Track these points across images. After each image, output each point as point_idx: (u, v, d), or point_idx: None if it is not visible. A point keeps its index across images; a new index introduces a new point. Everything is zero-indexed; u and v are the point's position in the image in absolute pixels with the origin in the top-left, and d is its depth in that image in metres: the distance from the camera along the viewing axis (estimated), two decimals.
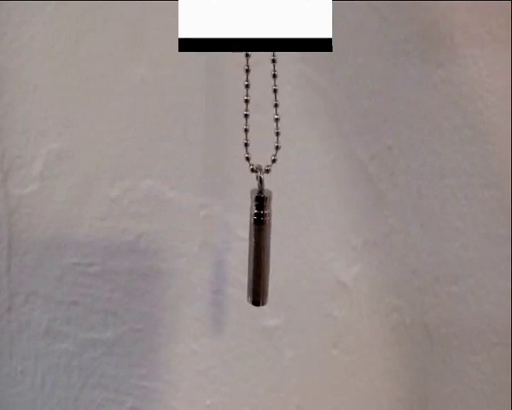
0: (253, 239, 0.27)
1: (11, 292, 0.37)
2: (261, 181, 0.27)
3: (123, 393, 0.39)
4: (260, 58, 0.27)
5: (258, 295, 0.28)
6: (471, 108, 0.38)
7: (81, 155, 0.36)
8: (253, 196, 0.27)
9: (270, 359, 0.40)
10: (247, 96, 0.27)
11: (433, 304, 0.41)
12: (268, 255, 0.28)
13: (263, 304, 0.28)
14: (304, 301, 0.40)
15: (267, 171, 0.27)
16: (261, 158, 0.28)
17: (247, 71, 0.27)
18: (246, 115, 0.27)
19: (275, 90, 0.27)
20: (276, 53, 0.27)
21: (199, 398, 0.40)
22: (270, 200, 0.27)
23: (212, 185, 0.37)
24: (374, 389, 0.42)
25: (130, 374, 0.39)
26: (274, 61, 0.26)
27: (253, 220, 0.27)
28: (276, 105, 0.27)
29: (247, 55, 0.26)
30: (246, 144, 0.27)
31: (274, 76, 0.27)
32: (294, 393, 0.41)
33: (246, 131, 0.27)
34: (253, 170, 0.27)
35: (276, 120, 0.27)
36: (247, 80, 0.27)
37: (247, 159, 0.27)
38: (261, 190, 0.27)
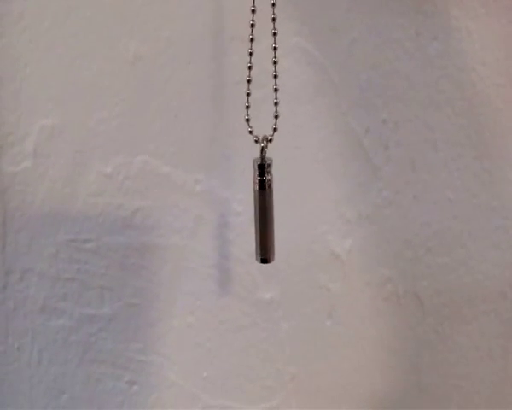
0: (258, 204, 0.32)
1: (6, 270, 0.39)
2: (263, 150, 0.31)
3: (120, 367, 0.42)
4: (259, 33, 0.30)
5: (265, 253, 0.32)
6: (464, 81, 0.41)
7: (74, 131, 0.37)
8: (256, 165, 0.32)
9: (265, 330, 0.43)
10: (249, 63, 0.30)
11: (426, 275, 0.44)
12: (272, 217, 0.32)
13: (270, 261, 0.33)
14: (298, 274, 0.42)
15: (270, 140, 0.32)
16: (261, 130, 0.32)
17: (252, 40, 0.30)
18: (248, 94, 0.30)
19: (275, 62, 0.31)
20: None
21: (195, 370, 0.43)
22: (271, 166, 0.32)
23: (207, 160, 0.39)
24: (367, 359, 0.45)
25: (127, 348, 0.41)
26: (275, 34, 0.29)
27: (256, 187, 0.32)
28: (275, 76, 0.31)
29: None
30: (247, 120, 0.31)
31: (274, 48, 0.30)
32: (290, 363, 0.44)
33: (247, 107, 0.30)
34: (256, 141, 0.31)
35: (276, 90, 0.31)
36: (251, 48, 0.30)
37: (250, 132, 0.31)
38: (263, 158, 0.31)
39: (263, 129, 0.32)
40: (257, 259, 0.33)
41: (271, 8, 0.29)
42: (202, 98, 0.38)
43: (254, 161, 0.32)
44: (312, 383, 0.45)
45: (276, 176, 0.35)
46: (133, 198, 0.39)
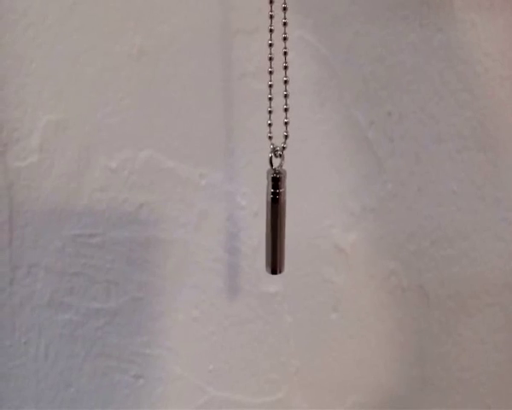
0: (270, 216, 0.32)
1: (13, 265, 0.39)
2: (282, 160, 0.31)
3: (126, 361, 0.42)
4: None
5: (275, 264, 0.33)
6: (469, 72, 0.41)
7: (79, 126, 0.38)
8: (270, 177, 0.31)
9: (269, 324, 0.43)
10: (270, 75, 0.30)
11: (430, 267, 0.44)
12: (284, 229, 0.32)
13: (280, 272, 0.33)
14: (303, 267, 0.43)
15: (284, 148, 0.32)
16: (263, 125, 0.32)
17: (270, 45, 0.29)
18: (270, 99, 0.30)
19: (285, 67, 0.30)
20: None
21: (201, 364, 0.43)
22: (284, 179, 0.32)
23: (211, 154, 0.40)
24: (371, 351, 0.45)
25: (133, 342, 0.42)
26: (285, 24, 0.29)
27: (269, 199, 0.32)
28: (285, 96, 0.31)
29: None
30: (269, 124, 0.31)
31: (285, 53, 0.30)
32: (294, 356, 0.44)
33: (270, 112, 0.30)
34: (275, 151, 0.31)
35: (286, 96, 0.31)
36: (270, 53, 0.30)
37: (270, 138, 0.31)
38: (279, 171, 0.31)
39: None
40: (267, 269, 0.33)
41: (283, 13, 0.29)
42: (207, 92, 0.39)
43: (268, 172, 0.32)
44: (317, 375, 0.45)
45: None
46: (138, 193, 0.40)
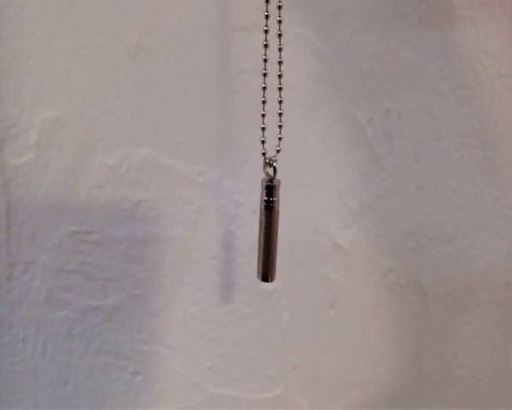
0: (263, 224, 0.32)
1: (10, 261, 0.39)
2: (275, 171, 0.32)
3: (124, 358, 0.43)
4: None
5: (267, 272, 0.33)
6: (468, 70, 0.41)
7: (77, 123, 0.38)
8: (264, 185, 0.32)
9: (267, 320, 0.44)
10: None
11: (428, 264, 0.45)
12: (276, 237, 0.33)
13: (271, 280, 0.33)
14: (301, 264, 0.43)
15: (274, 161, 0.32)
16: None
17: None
18: (263, 102, 0.30)
19: (280, 101, 0.31)
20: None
21: (199, 360, 0.44)
22: (278, 188, 0.32)
23: (209, 151, 0.40)
24: (369, 348, 0.46)
25: (131, 339, 0.42)
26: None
27: (263, 207, 0.32)
28: (280, 102, 0.31)
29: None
30: (263, 142, 0.31)
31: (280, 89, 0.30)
32: (292, 353, 0.45)
33: (263, 129, 0.31)
34: (266, 162, 0.32)
35: (280, 114, 0.31)
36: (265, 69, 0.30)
37: (264, 154, 0.31)
38: (271, 180, 0.32)
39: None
40: (258, 277, 0.34)
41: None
42: (205, 89, 0.39)
43: (263, 180, 0.33)
44: (315, 372, 0.46)
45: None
46: (136, 190, 0.40)
